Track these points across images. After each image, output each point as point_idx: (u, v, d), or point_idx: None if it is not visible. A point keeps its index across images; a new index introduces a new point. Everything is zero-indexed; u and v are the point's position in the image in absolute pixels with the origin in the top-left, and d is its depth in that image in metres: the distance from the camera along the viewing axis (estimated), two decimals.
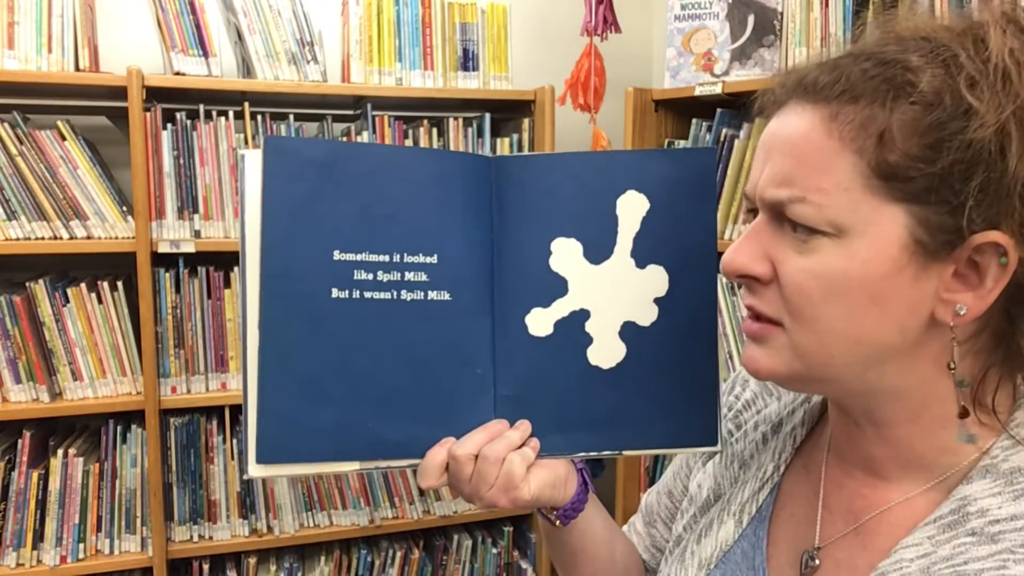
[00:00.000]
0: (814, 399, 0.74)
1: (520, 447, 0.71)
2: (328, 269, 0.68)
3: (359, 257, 0.69)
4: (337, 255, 0.68)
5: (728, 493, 0.75)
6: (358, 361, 0.69)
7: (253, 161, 0.67)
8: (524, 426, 0.72)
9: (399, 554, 2.26)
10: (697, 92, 1.93)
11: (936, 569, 0.56)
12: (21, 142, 1.87)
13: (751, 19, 1.87)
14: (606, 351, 0.73)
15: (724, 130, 1.88)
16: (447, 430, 0.71)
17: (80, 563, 1.99)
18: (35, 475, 1.95)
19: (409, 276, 0.70)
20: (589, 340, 0.73)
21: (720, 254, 0.64)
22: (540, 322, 0.73)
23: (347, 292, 0.68)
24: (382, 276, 0.69)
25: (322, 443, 0.69)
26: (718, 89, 1.88)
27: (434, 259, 0.70)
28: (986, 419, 0.59)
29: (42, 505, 1.96)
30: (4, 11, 1.84)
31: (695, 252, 0.73)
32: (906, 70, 0.54)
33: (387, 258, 0.69)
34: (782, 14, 1.82)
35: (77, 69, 1.90)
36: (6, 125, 1.86)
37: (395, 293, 0.69)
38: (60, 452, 1.97)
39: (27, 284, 1.91)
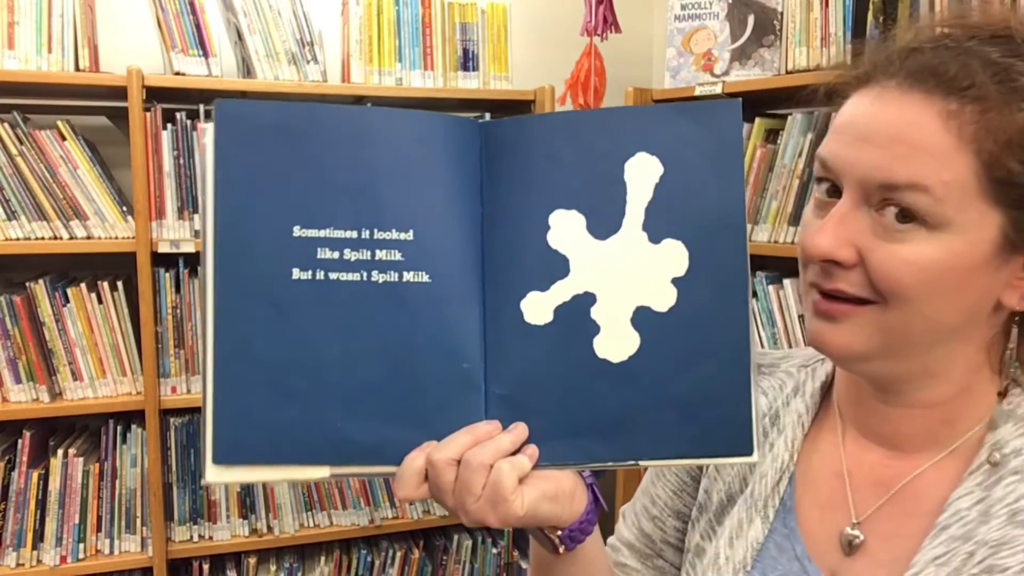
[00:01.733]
0: (808, 389, 0.74)
1: (513, 454, 0.62)
2: (288, 247, 0.61)
3: (322, 233, 0.61)
4: (297, 231, 0.61)
5: (745, 491, 0.73)
6: (325, 352, 0.61)
7: (211, 133, 0.61)
8: (519, 429, 0.62)
9: (399, 554, 2.26)
10: (697, 92, 1.93)
11: (995, 511, 0.60)
12: (21, 142, 1.87)
13: (751, 19, 1.87)
14: (616, 341, 0.63)
15: None
16: (428, 433, 0.62)
17: (80, 563, 1.99)
18: (35, 475, 1.95)
19: (380, 255, 0.62)
20: (596, 329, 0.63)
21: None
22: (538, 308, 0.64)
23: (310, 273, 0.61)
24: (349, 255, 0.62)
25: (287, 443, 0.61)
26: (718, 89, 1.88)
27: (409, 235, 0.62)
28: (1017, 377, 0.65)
29: (42, 505, 1.96)
30: (4, 11, 1.84)
31: (719, 222, 0.62)
32: (1020, 75, 0.56)
33: (355, 234, 0.62)
34: (782, 14, 1.82)
35: (77, 69, 1.90)
36: (6, 125, 1.86)
37: (365, 274, 0.62)
38: (60, 452, 1.97)
39: (27, 284, 1.91)
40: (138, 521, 2.04)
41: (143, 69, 1.89)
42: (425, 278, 0.62)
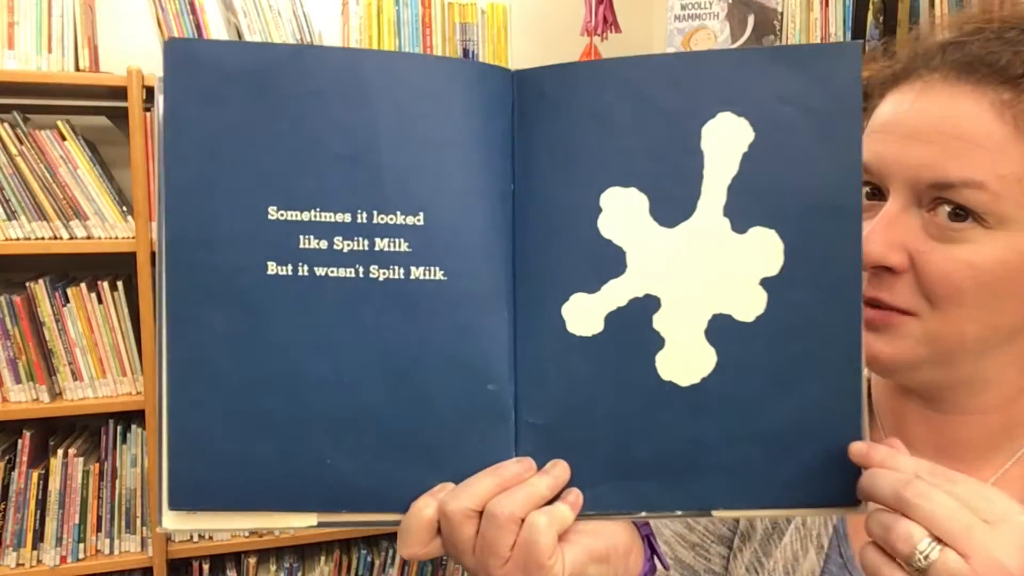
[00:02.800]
0: None
1: (551, 501, 0.49)
2: (261, 234, 0.48)
3: (306, 216, 0.49)
4: (274, 213, 0.49)
5: (794, 520, 0.68)
6: (309, 368, 0.49)
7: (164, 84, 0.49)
8: (558, 470, 0.50)
9: (399, 554, 2.26)
10: None
11: None
12: (21, 142, 1.87)
13: (751, 19, 1.87)
14: (685, 359, 0.50)
15: None
16: (442, 473, 0.50)
17: (80, 563, 1.98)
18: (35, 475, 1.94)
19: (382, 244, 0.49)
20: (659, 342, 0.50)
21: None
22: (584, 315, 0.50)
23: (290, 267, 0.49)
24: (341, 244, 0.49)
25: (262, 485, 0.49)
26: None
27: (419, 219, 0.49)
28: None
29: (42, 505, 1.96)
30: (4, 11, 1.84)
31: (826, 206, 0.48)
32: None
33: (348, 217, 0.49)
34: (782, 14, 1.82)
35: (77, 69, 1.90)
36: (6, 125, 1.86)
37: (361, 269, 0.49)
38: (60, 452, 1.96)
39: (27, 284, 1.91)
40: (138, 521, 2.04)
41: (143, 69, 1.88)
42: (439, 275, 0.50)
